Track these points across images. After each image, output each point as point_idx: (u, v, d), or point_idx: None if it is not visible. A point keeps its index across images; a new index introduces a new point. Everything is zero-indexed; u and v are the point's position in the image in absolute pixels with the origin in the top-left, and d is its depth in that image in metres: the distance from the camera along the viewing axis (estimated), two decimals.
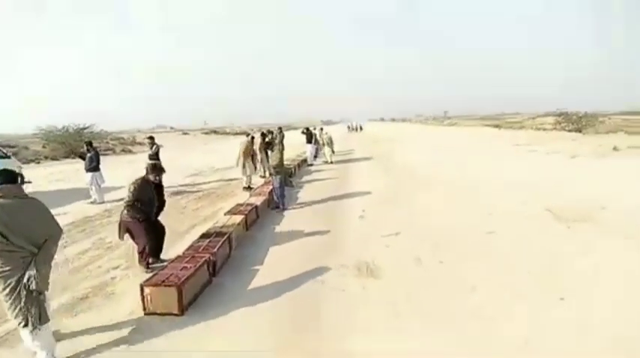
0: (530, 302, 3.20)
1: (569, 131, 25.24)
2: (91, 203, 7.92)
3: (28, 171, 14.85)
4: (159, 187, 4.37)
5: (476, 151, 15.75)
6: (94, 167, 7.86)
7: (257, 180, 9.30)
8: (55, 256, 2.78)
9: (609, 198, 6.18)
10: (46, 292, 2.64)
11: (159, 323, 3.10)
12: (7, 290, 2.46)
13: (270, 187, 7.77)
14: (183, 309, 3.23)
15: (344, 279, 3.84)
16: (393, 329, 2.91)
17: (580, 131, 24.74)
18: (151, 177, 4.21)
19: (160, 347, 2.79)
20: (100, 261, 4.62)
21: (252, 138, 9.00)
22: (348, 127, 46.01)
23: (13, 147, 26.13)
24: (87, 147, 8.20)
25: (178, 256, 3.92)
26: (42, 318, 2.54)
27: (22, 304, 2.47)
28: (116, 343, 2.84)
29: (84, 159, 8.01)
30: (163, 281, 3.25)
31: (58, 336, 2.86)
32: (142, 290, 3.24)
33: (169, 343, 2.83)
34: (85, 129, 24.44)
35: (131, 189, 3.98)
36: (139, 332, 2.98)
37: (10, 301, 2.47)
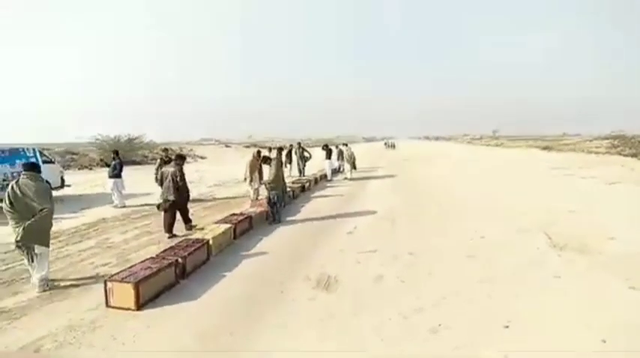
0: (469, 326, 3.09)
1: (625, 156, 23.12)
2: (114, 207, 8.68)
3: (79, 176, 16.63)
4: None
5: (503, 172, 15.01)
6: (116, 174, 8.68)
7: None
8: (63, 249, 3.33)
9: (623, 230, 5.71)
10: (45, 247, 4.06)
11: (113, 316, 3.41)
12: (15, 239, 3.97)
13: None
14: (139, 305, 3.53)
15: (300, 291, 3.94)
16: (304, 339, 2.96)
17: (636, 156, 22.56)
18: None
19: (104, 336, 3.07)
20: (95, 258, 5.10)
21: (259, 152, 9.38)
22: (385, 144, 45.82)
23: (75, 154, 29.16)
24: (113, 156, 9.07)
25: (150, 257, 4.26)
26: (28, 261, 4.06)
27: (17, 249, 4.08)
28: (70, 325, 3.17)
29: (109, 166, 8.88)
30: (124, 278, 3.57)
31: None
32: (105, 284, 3.59)
33: (110, 333, 3.11)
34: (134, 139, 26.68)
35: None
36: (91, 322, 3.29)
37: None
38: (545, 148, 37.17)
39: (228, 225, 5.68)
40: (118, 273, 3.75)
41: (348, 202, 9.11)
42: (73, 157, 27.54)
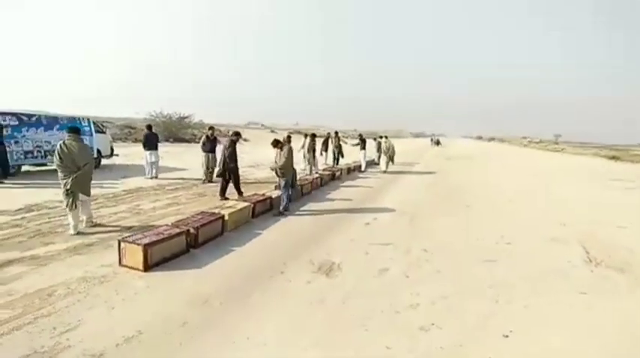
0: (463, 329, 2.91)
1: None
2: (150, 178, 9.29)
3: (131, 149, 17.88)
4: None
5: (553, 180, 13.82)
6: (150, 146, 9.31)
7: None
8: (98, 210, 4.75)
9: None
10: (86, 196, 4.99)
11: (122, 274, 3.66)
12: (62, 188, 4.80)
13: (304, 183, 8.20)
14: (147, 267, 3.75)
15: (300, 273, 3.95)
16: (285, 320, 2.96)
17: None
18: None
19: (109, 290, 3.30)
20: (123, 221, 5.49)
21: (289, 137, 9.46)
22: (431, 140, 44.26)
23: (133, 128, 31.40)
24: (149, 129, 9.70)
25: (166, 224, 4.49)
26: (70, 207, 4.76)
27: (64, 197, 4.79)
28: (84, 277, 3.46)
29: (145, 144, 9.52)
30: (135, 240, 3.80)
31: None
32: (119, 244, 3.85)
33: (115, 288, 3.33)
34: (185, 118, 28.15)
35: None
36: (102, 276, 3.56)
37: (62, 195, 4.85)
38: (612, 158, 33.69)
39: (246, 204, 5.81)
40: (132, 235, 4.00)
41: (374, 194, 8.94)
42: (130, 131, 29.69)
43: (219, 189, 7.34)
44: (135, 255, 3.76)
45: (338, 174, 11.16)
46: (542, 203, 8.67)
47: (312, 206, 7.25)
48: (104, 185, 7.97)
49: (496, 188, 10.85)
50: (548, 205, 8.45)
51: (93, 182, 5.30)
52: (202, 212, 5.21)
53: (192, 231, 4.41)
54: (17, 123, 8.48)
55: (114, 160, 12.09)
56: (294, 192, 7.01)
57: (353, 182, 10.77)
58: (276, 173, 6.57)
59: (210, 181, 9.09)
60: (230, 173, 7.17)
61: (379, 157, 13.71)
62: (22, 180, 8.27)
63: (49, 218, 5.43)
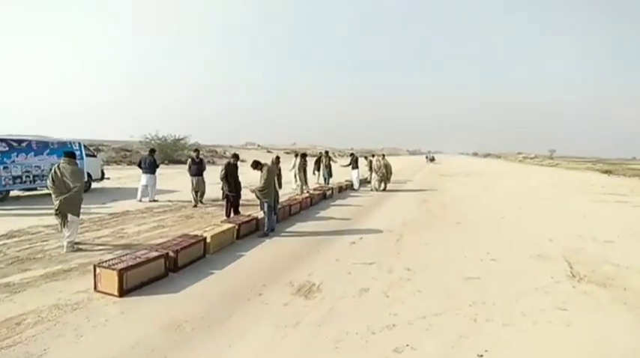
0: (438, 350, 2.86)
1: None
2: (139, 201, 9.28)
3: (125, 171, 17.91)
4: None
5: (544, 194, 13.87)
6: (145, 169, 9.35)
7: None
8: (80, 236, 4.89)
9: None
10: (75, 216, 5.13)
11: (96, 300, 3.60)
12: (54, 209, 5.06)
13: (293, 203, 8.20)
14: (122, 292, 3.69)
15: (278, 295, 3.89)
16: (253, 348, 2.90)
17: None
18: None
19: (80, 317, 3.24)
20: (106, 245, 5.45)
21: (278, 157, 9.57)
22: (426, 157, 44.65)
23: (129, 151, 31.54)
24: (149, 154, 9.75)
25: (144, 248, 4.46)
26: (61, 226, 5.10)
27: (55, 217, 5.09)
28: (56, 304, 3.40)
29: (140, 166, 9.56)
30: (110, 265, 3.77)
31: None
32: (94, 269, 3.81)
33: (87, 315, 3.28)
34: (180, 140, 28.33)
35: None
36: (75, 303, 3.50)
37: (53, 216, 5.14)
38: (605, 172, 33.93)
39: (230, 225, 5.80)
40: (107, 260, 3.96)
41: (363, 212, 8.93)
42: (125, 154, 29.80)
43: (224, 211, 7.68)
44: (110, 280, 3.71)
45: (329, 193, 11.17)
46: (533, 219, 8.69)
47: (299, 226, 7.22)
48: (92, 209, 7.94)
49: (489, 204, 10.89)
50: (538, 221, 8.46)
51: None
52: (184, 234, 5.18)
53: (171, 254, 4.38)
54: (7, 149, 8.52)
55: (105, 183, 12.09)
56: (274, 216, 6.69)
57: (344, 201, 10.77)
58: (256, 195, 6.41)
59: (198, 204, 9.04)
60: (230, 195, 7.37)
61: (370, 176, 13.81)
62: (9, 206, 8.23)
63: (29, 244, 5.39)
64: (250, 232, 6.31)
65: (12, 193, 9.11)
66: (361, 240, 6.24)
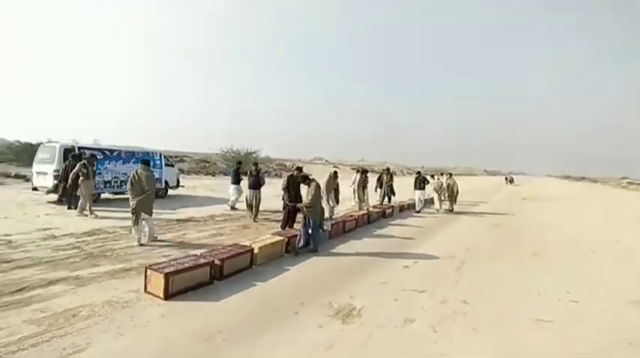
0: None
1: None
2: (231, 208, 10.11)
3: (202, 181, 19.40)
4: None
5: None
6: (236, 181, 10.21)
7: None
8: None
9: None
10: (148, 215, 6.03)
11: (144, 300, 3.79)
12: (130, 208, 5.91)
13: (348, 220, 8.01)
14: (167, 295, 3.84)
15: (315, 316, 3.71)
16: None
17: None
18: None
19: (126, 315, 3.42)
20: (165, 248, 5.82)
21: (336, 173, 9.43)
22: (505, 179, 41.02)
23: (207, 162, 34.32)
24: (236, 166, 10.62)
25: (194, 254, 4.63)
26: (134, 223, 5.90)
27: (131, 215, 5.91)
28: (109, 300, 3.65)
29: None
30: (159, 268, 3.95)
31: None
32: (145, 271, 4.03)
33: (132, 314, 3.44)
34: (252, 153, 30.03)
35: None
36: (125, 301, 3.72)
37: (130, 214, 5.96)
38: None
39: (279, 238, 5.79)
40: (158, 263, 4.17)
41: (423, 234, 8.34)
42: (205, 165, 32.45)
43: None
44: (158, 283, 3.89)
45: (389, 211, 10.71)
46: (633, 257, 7.26)
47: (351, 244, 6.97)
48: (162, 214, 8.65)
49: (577, 235, 9.44)
50: (637, 261, 7.04)
51: (154, 210, 6.27)
52: (234, 244, 5.29)
53: (217, 262, 4.48)
54: (101, 157, 9.78)
55: (180, 191, 13.19)
56: (319, 235, 6.35)
57: (404, 221, 10.22)
58: (302, 211, 6.22)
59: (255, 218, 8.83)
60: (290, 205, 7.41)
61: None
62: (99, 207, 9.37)
63: (103, 242, 5.99)
64: (303, 246, 6.23)
65: (103, 196, 10.38)
66: (415, 264, 5.77)
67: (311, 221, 6.12)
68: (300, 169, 7.86)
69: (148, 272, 4.00)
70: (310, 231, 6.10)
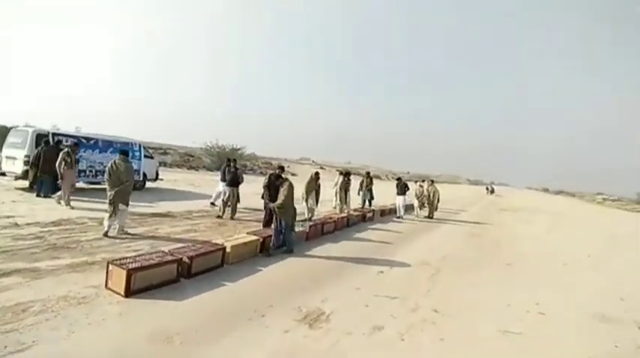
0: None
1: None
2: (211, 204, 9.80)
3: (184, 175, 19.02)
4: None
5: (626, 245, 11.94)
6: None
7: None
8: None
9: None
10: (125, 206, 5.91)
11: (103, 297, 3.61)
12: (107, 199, 5.80)
13: (327, 222, 7.92)
14: (128, 293, 3.67)
15: (283, 319, 3.60)
16: None
17: None
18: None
19: (81, 312, 3.24)
20: (134, 242, 5.61)
21: (317, 174, 9.37)
22: (487, 189, 41.78)
23: (192, 156, 33.72)
24: (227, 163, 9.20)
25: (161, 250, 4.46)
26: (110, 214, 5.76)
27: (108, 205, 5.77)
28: (65, 296, 3.45)
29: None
30: (122, 264, 3.78)
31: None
32: (107, 266, 3.85)
33: (87, 311, 3.26)
34: (238, 149, 29.66)
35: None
36: (82, 297, 3.53)
37: (107, 204, 5.84)
38: None
39: (254, 237, 5.66)
40: (122, 258, 3.99)
41: (401, 240, 8.33)
42: (189, 158, 31.89)
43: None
44: (119, 279, 3.71)
45: (369, 215, 10.69)
46: (603, 270, 7.43)
47: (328, 247, 6.89)
48: (138, 206, 8.38)
49: (551, 247, 9.62)
50: (610, 273, 7.21)
51: (130, 203, 6.13)
52: (205, 241, 5.14)
53: (185, 259, 4.32)
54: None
55: (160, 184, 12.87)
56: (291, 237, 6.11)
57: (384, 225, 10.20)
58: (274, 211, 5.98)
59: (232, 218, 8.40)
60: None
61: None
62: (72, 197, 9.02)
63: (70, 233, 5.73)
64: (277, 247, 6.11)
65: (78, 185, 9.98)
66: (390, 270, 5.73)
67: (283, 222, 5.91)
68: (282, 168, 7.73)
69: (110, 267, 3.82)
70: (282, 231, 5.92)
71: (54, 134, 9.03)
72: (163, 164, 26.98)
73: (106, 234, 5.72)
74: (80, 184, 10.17)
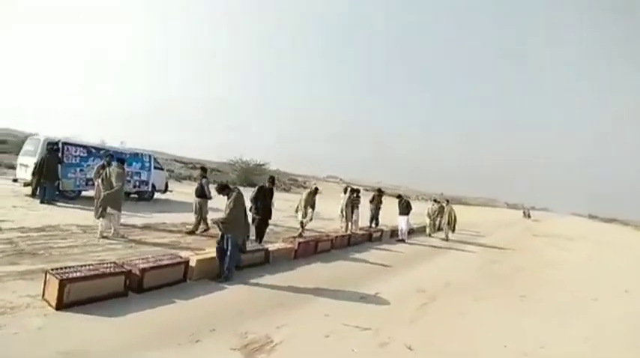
0: None
1: None
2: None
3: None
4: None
5: None
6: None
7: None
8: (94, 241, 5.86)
9: None
10: (115, 210, 6.26)
11: (33, 307, 3.35)
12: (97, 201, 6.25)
13: (322, 240, 7.44)
14: (60, 305, 3.39)
15: (219, 347, 3.16)
16: None
17: None
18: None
19: (3, 322, 2.98)
20: (107, 253, 5.41)
21: (316, 189, 8.95)
22: (523, 213, 39.18)
23: (220, 171, 34.44)
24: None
25: (113, 261, 4.19)
26: (98, 216, 6.18)
27: (97, 207, 6.17)
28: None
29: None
30: (58, 273, 3.52)
31: None
32: (45, 275, 3.60)
33: (9, 321, 2.99)
34: (261, 165, 29.91)
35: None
36: (13, 307, 3.29)
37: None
38: None
39: None
40: (64, 268, 3.74)
41: (403, 263, 7.61)
42: (217, 173, 32.51)
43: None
44: (53, 289, 3.45)
45: (376, 235, 10.02)
46: (637, 316, 6.30)
47: (315, 266, 6.39)
48: (137, 215, 8.33)
49: (584, 279, 8.47)
50: None
51: (129, 212, 6.76)
52: (170, 254, 4.84)
53: (135, 272, 4.01)
54: (86, 154, 9.67)
55: (169, 196, 12.96)
56: (237, 256, 5.10)
57: (390, 246, 9.47)
58: (218, 227, 5.05)
59: (195, 231, 7.64)
60: (256, 218, 7.01)
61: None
62: (74, 203, 9.21)
63: (48, 239, 5.66)
64: (254, 264, 5.69)
65: (85, 194, 10.22)
66: (375, 296, 5.11)
67: (229, 239, 4.92)
68: (272, 180, 7.40)
69: (47, 276, 3.57)
70: (228, 250, 4.90)
71: (64, 143, 9.30)
72: (188, 177, 27.71)
73: (101, 236, 6.12)
74: (89, 193, 10.40)
